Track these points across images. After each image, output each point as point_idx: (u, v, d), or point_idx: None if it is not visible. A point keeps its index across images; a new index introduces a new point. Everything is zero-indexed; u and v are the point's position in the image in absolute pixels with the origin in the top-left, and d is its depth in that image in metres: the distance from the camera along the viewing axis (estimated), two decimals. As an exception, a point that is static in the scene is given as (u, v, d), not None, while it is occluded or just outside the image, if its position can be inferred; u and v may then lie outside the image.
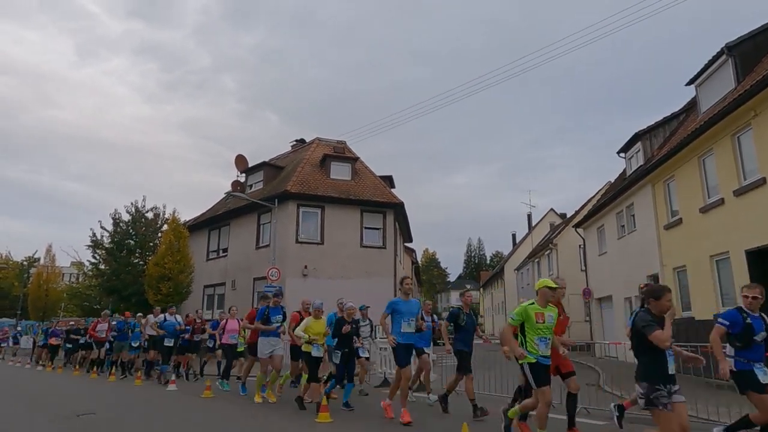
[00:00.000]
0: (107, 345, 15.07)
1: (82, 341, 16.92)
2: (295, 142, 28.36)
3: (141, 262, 23.64)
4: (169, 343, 12.34)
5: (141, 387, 11.51)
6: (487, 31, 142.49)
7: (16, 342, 24.37)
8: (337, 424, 6.54)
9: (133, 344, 14.10)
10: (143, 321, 14.09)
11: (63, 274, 40.42)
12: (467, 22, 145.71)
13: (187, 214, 28.22)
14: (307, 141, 27.05)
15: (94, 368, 15.32)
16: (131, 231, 24.21)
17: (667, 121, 16.95)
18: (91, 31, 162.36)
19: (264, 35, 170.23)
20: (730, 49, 12.02)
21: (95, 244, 23.88)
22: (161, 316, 12.71)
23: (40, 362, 19.53)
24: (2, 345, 23.52)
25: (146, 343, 13.79)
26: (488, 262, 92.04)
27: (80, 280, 37.76)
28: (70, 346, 17.61)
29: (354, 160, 23.26)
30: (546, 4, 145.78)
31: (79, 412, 7.50)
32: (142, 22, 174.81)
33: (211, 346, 13.41)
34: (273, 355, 8.60)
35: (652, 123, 17.07)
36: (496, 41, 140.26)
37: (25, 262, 43.05)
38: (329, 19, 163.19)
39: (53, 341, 18.38)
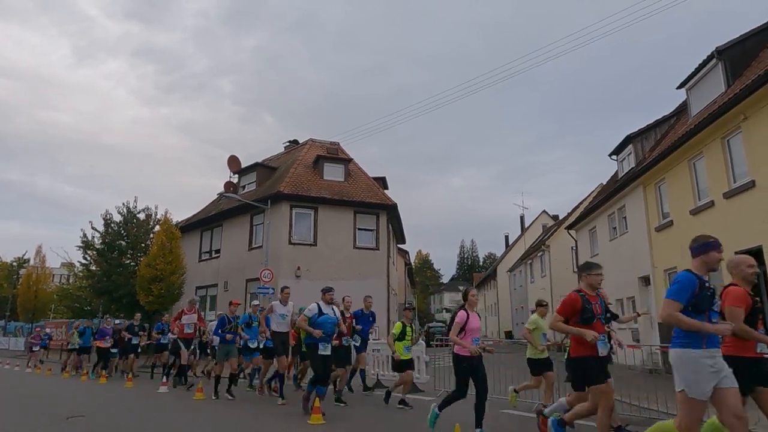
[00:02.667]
0: (193, 345, 12.25)
1: (134, 341, 14.27)
2: (288, 143, 28.32)
3: (132, 263, 23.51)
4: (325, 350, 7.39)
5: (132, 389, 11.41)
6: (487, 36, 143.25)
7: (44, 346, 20.90)
8: (329, 426, 6.52)
9: (250, 344, 10.07)
10: (266, 309, 9.75)
11: (53, 275, 40.09)
12: (468, 26, 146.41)
13: (181, 216, 28.12)
14: (301, 142, 27.02)
15: (166, 378, 11.54)
16: (123, 232, 24.06)
17: (658, 124, 17.09)
18: (90, 33, 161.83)
19: (263, 39, 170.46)
20: (720, 52, 12.13)
21: (86, 245, 23.70)
22: (313, 305, 7.67)
23: (68, 368, 16.22)
24: (34, 350, 19.97)
25: (264, 344, 9.96)
26: (481, 263, 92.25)
27: (71, 281, 37.48)
28: (115, 351, 14.75)
29: (347, 161, 23.26)
30: (546, 8, 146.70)
31: (67, 415, 7.42)
32: (140, 25, 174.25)
33: (357, 345, 9.86)
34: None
35: (644, 126, 17.21)
36: (496, 45, 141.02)
37: (14, 263, 42.67)
38: (330, 23, 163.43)
39: (101, 344, 14.40)
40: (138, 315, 15.40)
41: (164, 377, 11.95)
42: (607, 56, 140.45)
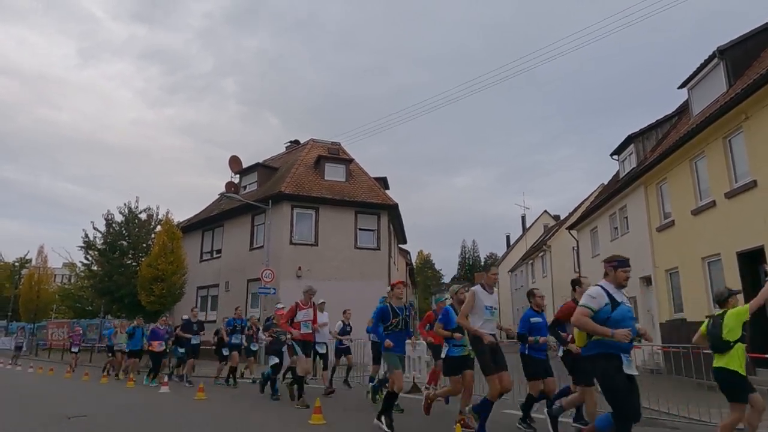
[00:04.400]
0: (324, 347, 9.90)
1: (194, 341, 12.12)
2: (289, 143, 28.34)
3: (134, 264, 23.52)
4: (630, 368, 4.16)
5: (133, 389, 11.42)
6: (488, 35, 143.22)
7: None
8: (330, 426, 6.52)
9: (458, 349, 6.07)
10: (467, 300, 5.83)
11: (55, 275, 40.19)
12: (468, 26, 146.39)
13: (183, 216, 28.15)
14: (302, 142, 27.03)
15: (293, 395, 8.41)
16: (124, 232, 24.08)
17: (659, 123, 17.08)
18: (95, 34, 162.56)
19: (267, 39, 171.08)
20: (721, 52, 12.13)
21: (88, 245, 23.74)
22: (596, 289, 4.37)
23: (116, 373, 14.45)
24: (73, 351, 17.91)
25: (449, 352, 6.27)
26: (482, 263, 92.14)
27: (72, 281, 37.56)
28: (182, 351, 12.51)
29: (348, 161, 23.27)
30: (546, 7, 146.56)
31: (69, 414, 7.44)
32: (145, 26, 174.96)
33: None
34: None
35: (645, 126, 17.20)
36: (496, 45, 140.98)
37: (16, 263, 42.77)
38: (331, 24, 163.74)
39: (155, 346, 12.40)
40: (196, 310, 13.24)
41: (263, 388, 9.74)
42: (608, 56, 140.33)
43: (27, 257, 41.93)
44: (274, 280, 17.84)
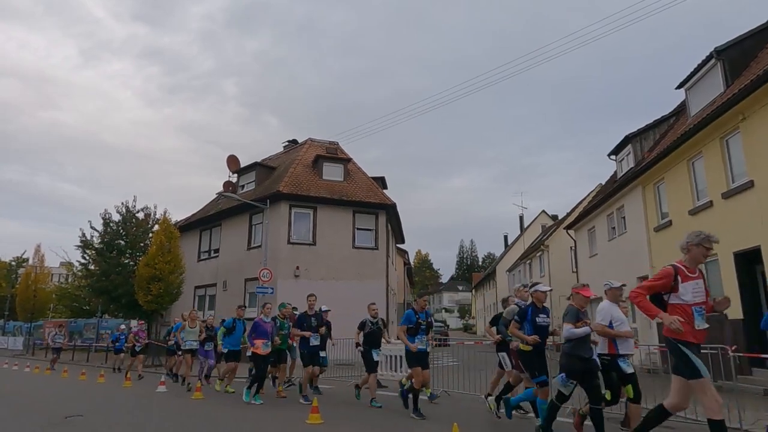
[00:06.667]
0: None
1: (314, 342, 8.90)
2: (287, 143, 28.28)
3: (131, 263, 23.48)
4: None
5: (130, 389, 11.41)
6: (487, 41, 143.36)
7: (120, 349, 16.09)
8: (327, 426, 6.51)
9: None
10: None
11: (52, 274, 40.08)
12: (469, 31, 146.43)
13: (183, 215, 28.12)
14: (300, 141, 26.99)
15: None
16: (121, 231, 24.03)
17: (657, 124, 17.10)
18: (96, 35, 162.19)
19: (267, 42, 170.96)
20: (719, 53, 12.15)
21: (85, 245, 23.68)
22: None
23: (178, 379, 12.28)
24: (137, 346, 14.62)
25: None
26: (480, 263, 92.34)
27: (69, 280, 37.46)
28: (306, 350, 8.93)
29: (346, 160, 23.24)
30: (545, 11, 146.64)
31: (66, 414, 7.42)
32: (146, 27, 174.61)
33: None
34: None
35: (643, 126, 17.22)
36: (497, 50, 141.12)
37: (13, 263, 42.64)
38: (332, 28, 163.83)
39: (259, 347, 8.77)
40: (312, 298, 9.23)
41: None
42: (606, 58, 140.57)
43: (24, 256, 41.85)
44: (272, 280, 17.81)
